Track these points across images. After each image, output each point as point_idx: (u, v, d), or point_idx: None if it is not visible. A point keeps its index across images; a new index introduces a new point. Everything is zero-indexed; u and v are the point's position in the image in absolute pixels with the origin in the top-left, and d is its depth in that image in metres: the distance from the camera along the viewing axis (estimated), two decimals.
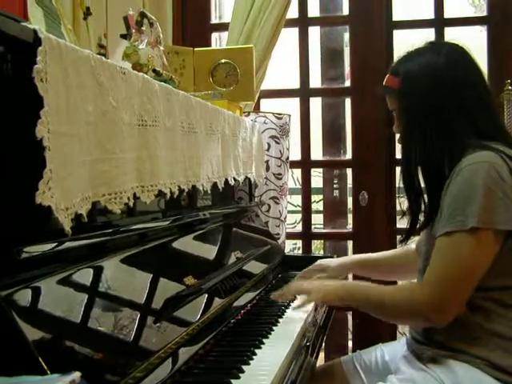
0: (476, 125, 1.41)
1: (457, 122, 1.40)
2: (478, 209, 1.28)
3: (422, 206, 1.46)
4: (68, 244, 0.97)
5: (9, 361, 0.77)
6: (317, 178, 3.29)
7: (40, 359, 0.77)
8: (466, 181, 1.31)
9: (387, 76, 1.51)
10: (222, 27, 2.98)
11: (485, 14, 2.87)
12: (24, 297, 0.85)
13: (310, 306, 1.72)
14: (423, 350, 1.41)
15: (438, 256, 1.33)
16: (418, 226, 1.49)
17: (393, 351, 1.62)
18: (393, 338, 2.70)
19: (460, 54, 1.46)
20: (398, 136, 1.54)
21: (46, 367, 0.77)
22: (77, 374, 0.69)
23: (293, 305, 1.63)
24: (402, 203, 1.57)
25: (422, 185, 1.47)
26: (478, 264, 1.30)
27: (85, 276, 1.01)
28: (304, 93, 2.93)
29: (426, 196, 1.46)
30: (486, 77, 1.48)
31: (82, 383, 0.68)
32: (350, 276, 2.11)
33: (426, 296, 1.31)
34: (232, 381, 1.10)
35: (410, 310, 1.36)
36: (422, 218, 1.47)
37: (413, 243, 1.75)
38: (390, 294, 1.42)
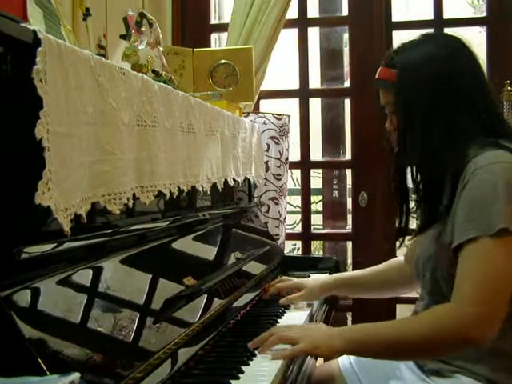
0: (481, 120, 1.33)
1: (462, 116, 1.32)
2: (504, 210, 1.18)
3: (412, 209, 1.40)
4: (67, 245, 0.97)
5: (8, 361, 0.77)
6: (316, 179, 3.29)
7: (39, 360, 0.77)
8: (485, 182, 1.22)
9: (380, 69, 1.43)
10: (222, 28, 2.99)
11: (484, 14, 2.87)
12: (23, 297, 0.85)
13: (307, 311, 1.71)
14: (425, 362, 1.37)
15: (467, 268, 1.20)
16: (416, 231, 1.43)
17: None
18: None
19: (460, 45, 1.39)
20: (389, 133, 1.45)
21: (45, 368, 0.77)
22: (76, 375, 0.69)
23: (273, 354, 1.27)
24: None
25: (410, 185, 1.40)
26: None
27: (84, 277, 1.01)
28: (303, 93, 2.93)
29: (416, 197, 1.38)
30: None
31: None
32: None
33: (463, 314, 1.17)
34: (231, 381, 1.11)
35: (446, 335, 1.20)
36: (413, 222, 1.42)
37: (401, 256, 1.71)
38: (412, 326, 1.26)
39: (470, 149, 1.29)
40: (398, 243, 1.51)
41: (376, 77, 1.45)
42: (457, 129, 1.32)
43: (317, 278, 1.79)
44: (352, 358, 1.66)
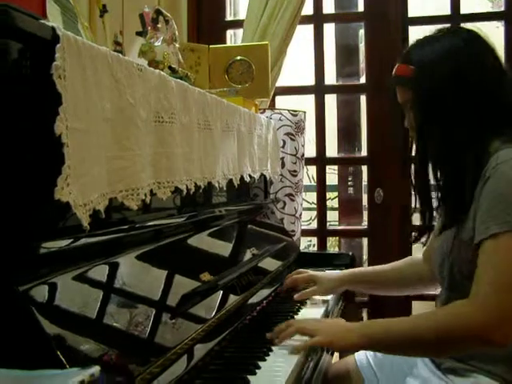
0: (504, 113, 1.30)
1: (483, 110, 1.29)
2: None
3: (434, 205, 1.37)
4: (85, 240, 0.98)
5: (28, 354, 0.78)
6: (332, 175, 3.28)
7: (59, 353, 0.78)
8: (507, 177, 1.20)
9: (397, 65, 1.40)
10: (237, 24, 2.99)
11: (502, 9, 2.84)
12: (43, 292, 0.86)
13: (323, 307, 1.71)
14: (442, 360, 1.36)
15: (486, 264, 1.18)
16: (436, 227, 1.42)
17: None
18: None
19: (477, 38, 1.36)
20: (410, 131, 1.42)
21: (64, 361, 0.78)
22: (96, 368, 0.69)
23: (290, 349, 1.30)
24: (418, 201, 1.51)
25: (432, 182, 1.37)
26: None
27: (102, 272, 1.02)
28: (319, 89, 2.92)
29: (438, 196, 1.36)
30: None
31: (101, 377, 0.69)
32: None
33: (481, 312, 1.15)
34: (248, 377, 1.11)
35: (463, 334, 1.17)
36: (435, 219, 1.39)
37: (418, 253, 1.68)
38: (428, 323, 1.23)
39: (493, 143, 1.28)
40: (423, 240, 1.47)
41: (393, 74, 1.43)
42: (477, 123, 1.29)
43: (331, 272, 1.77)
44: (369, 354, 1.65)
